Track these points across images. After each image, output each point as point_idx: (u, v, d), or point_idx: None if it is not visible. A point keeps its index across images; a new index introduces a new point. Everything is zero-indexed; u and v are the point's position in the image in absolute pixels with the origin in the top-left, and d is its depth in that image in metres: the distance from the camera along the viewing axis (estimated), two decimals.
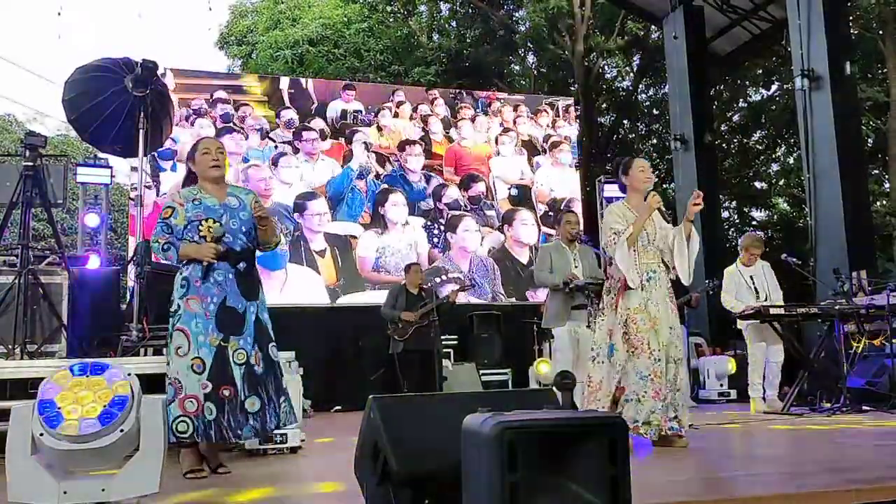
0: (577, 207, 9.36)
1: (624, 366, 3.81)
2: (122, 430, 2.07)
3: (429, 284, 7.27)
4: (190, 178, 3.49)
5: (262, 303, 3.41)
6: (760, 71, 15.73)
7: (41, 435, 2.03)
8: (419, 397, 2.41)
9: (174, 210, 3.30)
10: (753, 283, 6.33)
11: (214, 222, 3.27)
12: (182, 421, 3.08)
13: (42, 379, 2.16)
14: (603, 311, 4.01)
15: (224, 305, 3.23)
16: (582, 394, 4.01)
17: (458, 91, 9.85)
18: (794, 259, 6.50)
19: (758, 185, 17.48)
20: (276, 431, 3.85)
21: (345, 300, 8.85)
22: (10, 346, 4.55)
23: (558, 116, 10.41)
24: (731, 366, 7.71)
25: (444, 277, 8.99)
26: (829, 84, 8.17)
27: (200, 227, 3.26)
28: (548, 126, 9.83)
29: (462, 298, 7.14)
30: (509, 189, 9.36)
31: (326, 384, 8.22)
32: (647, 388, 3.74)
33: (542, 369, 7.61)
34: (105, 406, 2.08)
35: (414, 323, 6.75)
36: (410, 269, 7.12)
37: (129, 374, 2.20)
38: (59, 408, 2.05)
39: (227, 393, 3.14)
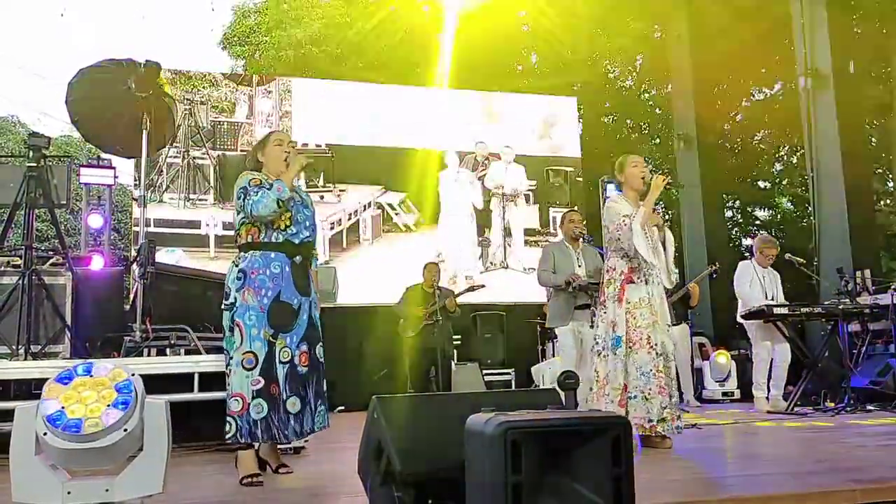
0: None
1: (625, 361, 3.78)
2: (125, 430, 2.08)
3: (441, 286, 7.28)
4: (257, 167, 3.39)
5: (315, 300, 3.33)
6: (764, 70, 15.69)
7: (45, 434, 2.04)
8: (423, 397, 2.41)
9: (262, 181, 3.20)
10: (764, 283, 6.31)
11: (287, 210, 3.21)
12: (226, 421, 3.00)
13: (46, 379, 2.17)
14: (604, 303, 3.96)
15: (278, 300, 3.14)
16: (590, 389, 3.98)
17: None
18: (798, 258, 6.49)
19: (761, 184, 17.44)
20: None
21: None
22: (14, 347, 4.55)
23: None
24: (724, 360, 7.68)
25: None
26: (832, 83, 8.15)
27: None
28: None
29: (464, 298, 7.15)
30: None
31: (329, 384, 8.19)
32: (650, 385, 3.71)
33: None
34: (109, 405, 2.08)
35: (422, 318, 6.80)
36: (427, 267, 7.16)
37: (133, 374, 2.20)
38: (62, 407, 2.06)
39: (274, 391, 3.06)
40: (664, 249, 3.94)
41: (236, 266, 3.20)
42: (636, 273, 3.87)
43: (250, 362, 3.04)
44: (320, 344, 3.31)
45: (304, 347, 3.19)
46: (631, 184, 4.02)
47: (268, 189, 3.12)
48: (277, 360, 3.10)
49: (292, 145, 3.40)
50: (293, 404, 3.10)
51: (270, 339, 3.09)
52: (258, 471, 3.03)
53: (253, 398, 3.00)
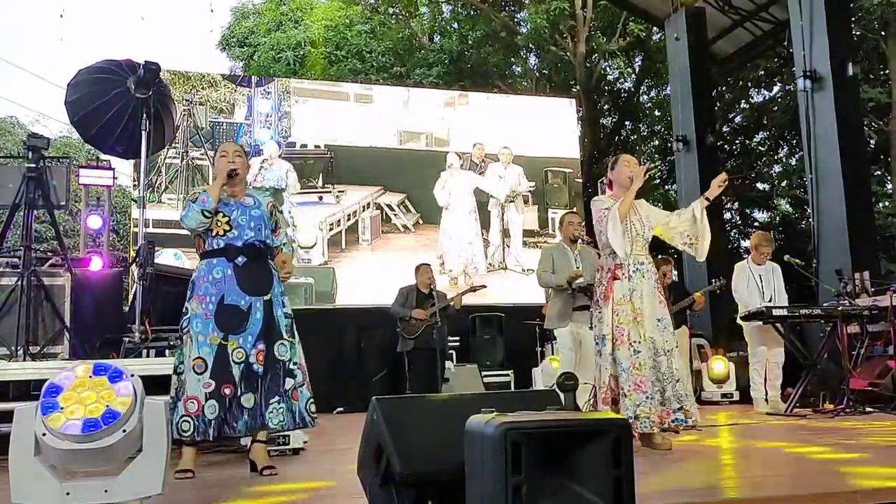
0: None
1: (612, 358, 3.83)
2: (124, 431, 2.07)
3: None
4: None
5: (276, 297, 3.39)
6: (762, 72, 15.71)
7: (44, 435, 2.03)
8: (422, 398, 2.41)
9: (199, 194, 3.38)
10: (761, 283, 6.31)
11: (224, 216, 3.36)
12: (185, 420, 3.18)
13: (45, 381, 2.16)
14: (598, 302, 4.01)
15: (222, 303, 3.27)
16: (594, 388, 4.01)
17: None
18: (797, 260, 6.49)
19: (760, 186, 17.46)
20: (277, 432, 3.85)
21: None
22: (12, 348, 4.55)
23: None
24: (721, 366, 7.69)
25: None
26: (831, 85, 8.15)
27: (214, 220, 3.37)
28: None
29: (463, 299, 7.14)
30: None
31: (329, 385, 8.22)
32: (629, 381, 3.76)
33: (556, 365, 7.58)
34: (108, 406, 2.07)
35: (424, 321, 6.80)
36: (420, 269, 7.13)
37: (132, 375, 2.20)
38: (62, 408, 2.05)
39: (227, 391, 3.20)
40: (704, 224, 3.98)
41: (191, 278, 3.42)
42: (620, 269, 3.91)
43: (200, 367, 3.21)
44: (282, 342, 3.36)
45: (261, 346, 3.28)
46: (619, 181, 4.07)
47: (193, 203, 3.32)
48: (231, 361, 3.23)
49: (238, 154, 3.51)
50: (247, 400, 3.24)
51: (221, 342, 3.23)
52: (192, 468, 3.24)
53: (206, 400, 3.18)
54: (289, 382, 3.33)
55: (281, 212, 3.66)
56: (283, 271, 3.53)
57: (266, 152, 9.41)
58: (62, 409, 2.05)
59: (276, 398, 3.29)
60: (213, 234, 3.36)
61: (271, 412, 3.27)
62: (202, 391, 3.18)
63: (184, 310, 3.34)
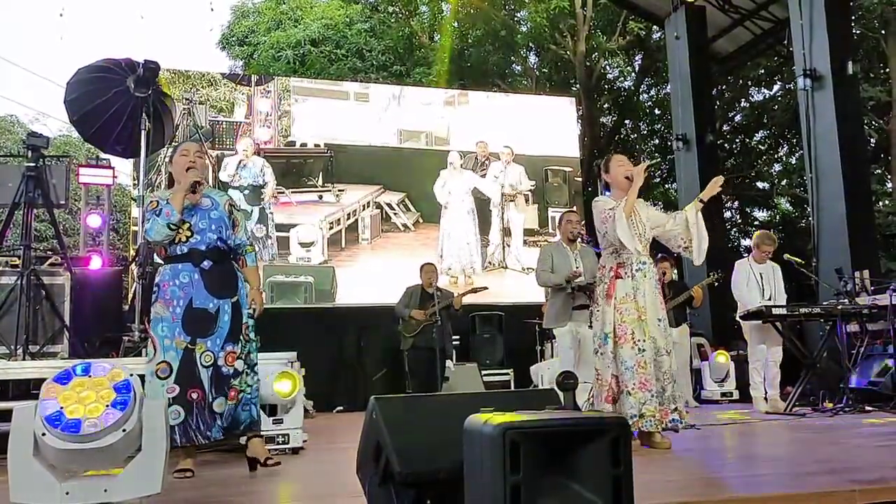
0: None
1: (613, 357, 3.83)
2: (124, 430, 2.07)
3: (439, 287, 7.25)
4: (171, 182, 3.50)
5: (243, 298, 3.38)
6: (762, 71, 15.71)
7: (43, 435, 2.03)
8: (421, 398, 2.41)
9: (159, 203, 3.31)
10: (761, 281, 6.31)
11: (183, 222, 3.29)
12: None
13: (44, 380, 2.16)
14: (597, 301, 4.02)
15: (191, 307, 3.22)
16: (591, 388, 4.01)
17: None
18: (797, 259, 6.48)
19: (760, 185, 17.46)
20: (277, 432, 3.87)
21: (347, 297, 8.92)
22: (12, 347, 4.55)
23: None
24: (723, 360, 7.70)
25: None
26: (831, 84, 8.14)
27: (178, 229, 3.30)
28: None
29: (463, 299, 7.14)
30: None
31: (328, 384, 8.23)
32: (634, 380, 3.76)
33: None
34: (107, 406, 2.08)
35: (423, 321, 6.81)
36: (423, 268, 7.14)
37: (132, 375, 2.20)
38: (61, 407, 2.05)
39: (195, 396, 3.14)
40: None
41: (155, 282, 3.35)
42: (623, 268, 3.91)
43: (164, 371, 3.14)
44: (250, 343, 3.36)
45: (231, 348, 3.25)
46: (616, 182, 4.06)
47: (157, 216, 3.25)
48: (199, 365, 3.17)
49: (199, 155, 3.45)
50: (220, 405, 3.18)
51: (188, 346, 3.17)
52: (191, 467, 3.22)
53: (169, 405, 3.04)
54: (246, 382, 3.33)
55: (239, 210, 3.57)
56: (250, 294, 3.44)
57: (241, 150, 9.30)
58: (62, 408, 2.05)
59: (250, 398, 3.31)
60: (176, 240, 3.30)
61: (247, 413, 3.28)
62: (165, 396, 3.09)
63: (150, 313, 3.30)
